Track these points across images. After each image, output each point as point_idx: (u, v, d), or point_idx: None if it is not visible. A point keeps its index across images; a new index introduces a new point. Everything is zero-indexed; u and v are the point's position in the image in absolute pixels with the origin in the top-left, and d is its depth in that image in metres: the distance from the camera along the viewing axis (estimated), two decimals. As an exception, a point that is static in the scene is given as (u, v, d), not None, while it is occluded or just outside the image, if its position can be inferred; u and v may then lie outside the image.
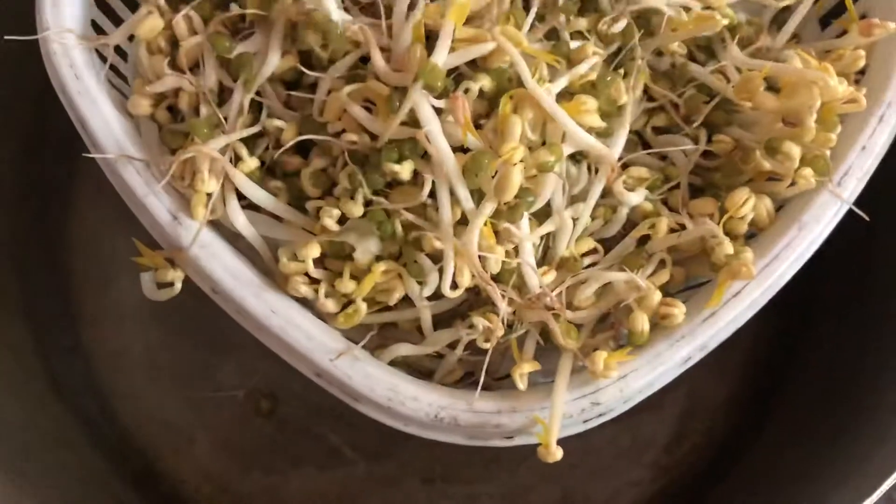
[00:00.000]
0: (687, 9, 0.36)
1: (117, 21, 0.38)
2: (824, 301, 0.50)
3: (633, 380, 0.32)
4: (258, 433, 0.50)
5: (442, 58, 0.30)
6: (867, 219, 0.33)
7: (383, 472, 0.49)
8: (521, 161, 0.30)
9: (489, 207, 0.30)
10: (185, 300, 0.36)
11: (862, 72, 0.37)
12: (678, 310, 0.32)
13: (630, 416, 0.49)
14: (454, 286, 0.31)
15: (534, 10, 0.32)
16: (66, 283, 0.52)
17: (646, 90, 0.36)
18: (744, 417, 0.51)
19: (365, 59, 0.32)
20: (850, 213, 0.34)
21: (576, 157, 0.34)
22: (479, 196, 0.31)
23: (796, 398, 0.50)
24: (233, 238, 0.34)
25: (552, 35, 0.35)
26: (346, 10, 0.33)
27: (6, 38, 0.33)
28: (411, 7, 0.32)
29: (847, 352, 0.48)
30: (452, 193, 0.31)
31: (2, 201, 0.47)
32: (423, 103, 0.30)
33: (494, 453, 0.49)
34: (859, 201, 0.34)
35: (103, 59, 0.35)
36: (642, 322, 0.32)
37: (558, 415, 0.31)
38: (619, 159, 0.34)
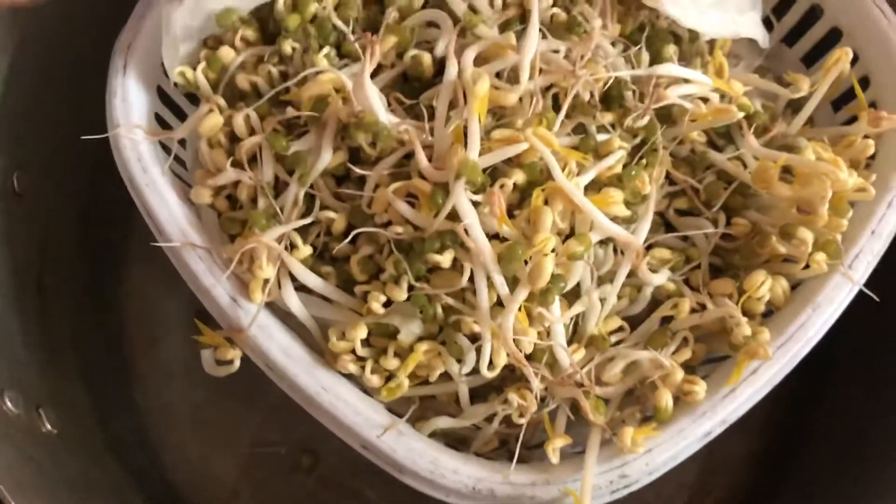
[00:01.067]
0: (705, 100, 0.39)
1: (176, 111, 0.41)
2: (840, 364, 0.52)
3: (658, 454, 0.34)
4: (299, 488, 0.52)
5: (475, 152, 0.32)
6: (877, 300, 0.36)
7: (417, 526, 0.51)
8: (552, 251, 0.33)
9: (523, 294, 0.33)
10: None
11: (873, 156, 0.39)
12: (700, 387, 0.34)
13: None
14: (491, 366, 0.34)
15: (564, 110, 0.35)
16: (119, 343, 0.54)
17: (667, 175, 0.39)
18: (764, 474, 0.52)
19: (409, 156, 0.35)
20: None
21: (602, 241, 0.37)
22: (513, 281, 0.34)
23: (814, 456, 0.51)
24: (285, 317, 0.36)
25: (579, 129, 0.37)
26: (391, 111, 0.36)
27: (83, 137, 0.36)
28: (451, 107, 0.35)
29: (861, 413, 0.49)
30: (489, 279, 0.34)
31: (60, 263, 0.50)
32: (463, 199, 0.33)
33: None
34: (871, 277, 0.37)
35: (167, 150, 0.38)
36: (666, 399, 0.34)
37: (589, 488, 0.33)
38: (644, 241, 0.37)
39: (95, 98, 0.38)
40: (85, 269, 0.53)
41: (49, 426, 0.42)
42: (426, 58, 0.37)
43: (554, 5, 0.38)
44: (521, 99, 0.35)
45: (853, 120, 0.41)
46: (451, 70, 0.35)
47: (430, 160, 0.34)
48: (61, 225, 0.49)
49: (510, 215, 0.34)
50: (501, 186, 0.34)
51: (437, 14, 0.37)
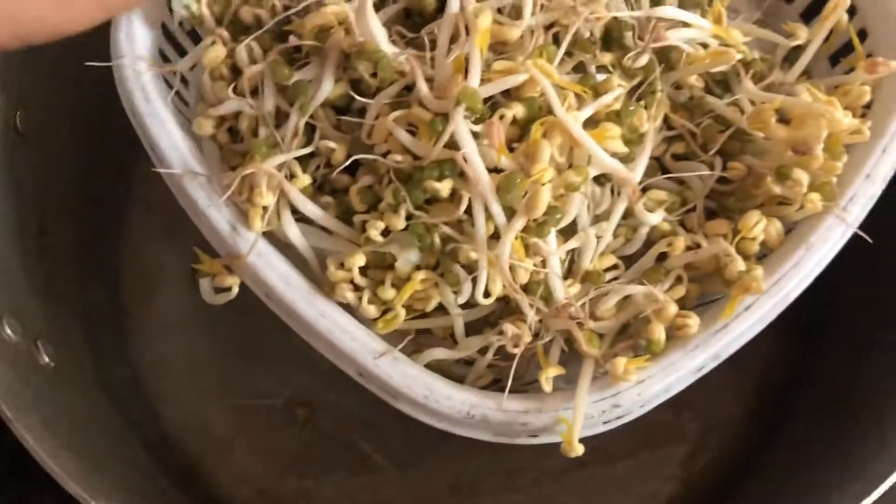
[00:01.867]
0: (705, 45, 0.39)
1: (179, 50, 0.41)
2: (833, 325, 0.53)
3: (650, 384, 0.34)
4: (294, 440, 0.52)
5: (476, 81, 0.33)
6: (871, 241, 0.36)
7: (412, 479, 0.52)
8: (549, 181, 0.33)
9: (520, 223, 0.33)
10: (227, 313, 0.40)
11: (868, 105, 0.39)
12: (693, 321, 0.35)
13: (649, 434, 0.52)
14: (486, 294, 0.34)
15: (564, 46, 0.35)
16: (116, 293, 0.55)
17: (665, 120, 0.39)
18: (758, 434, 0.53)
19: (409, 88, 0.36)
20: (855, 238, 0.37)
21: (600, 180, 0.37)
22: (510, 213, 0.34)
23: (807, 416, 0.52)
24: (284, 248, 0.37)
25: (579, 68, 0.38)
26: (393, 42, 0.36)
27: (86, 63, 0.37)
28: (452, 40, 0.35)
29: (854, 374, 0.50)
30: (486, 210, 0.34)
31: (61, 206, 0.51)
32: (462, 127, 0.33)
33: (518, 465, 0.52)
34: (864, 226, 0.37)
35: (168, 85, 0.39)
36: (659, 332, 0.35)
37: (581, 414, 0.33)
38: (640, 183, 0.37)
39: (101, 40, 0.39)
40: (85, 216, 0.53)
41: (47, 359, 0.42)
42: (428, -6, 0.37)
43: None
44: (521, 36, 0.36)
45: (850, 73, 0.41)
46: (454, 3, 0.35)
47: (430, 90, 0.35)
48: (64, 168, 0.50)
49: (509, 150, 0.34)
50: (501, 118, 0.34)
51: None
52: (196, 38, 0.41)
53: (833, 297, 0.48)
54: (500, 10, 0.36)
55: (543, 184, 0.33)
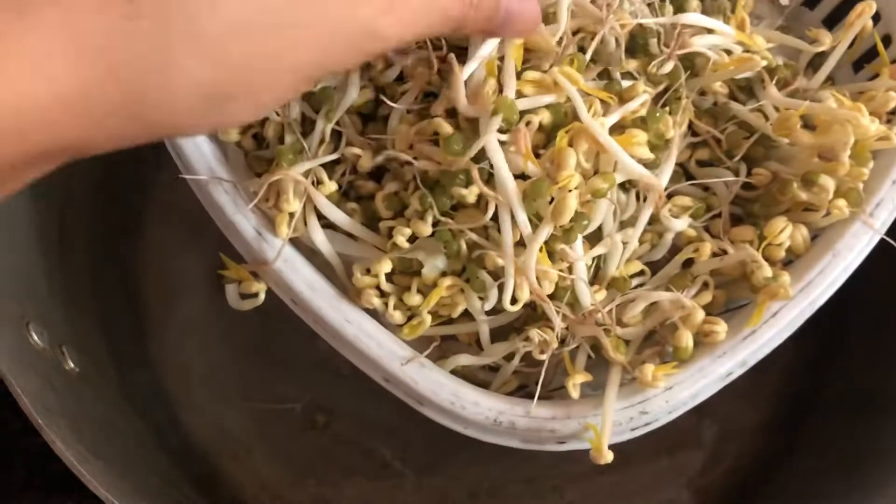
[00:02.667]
0: (729, 52, 0.39)
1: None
2: (854, 331, 0.52)
3: (678, 391, 0.34)
4: (313, 445, 0.52)
5: (512, 92, 0.33)
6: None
7: (431, 485, 0.52)
8: (575, 188, 0.33)
9: (546, 230, 0.33)
10: (247, 318, 0.40)
11: (894, 111, 0.39)
12: (720, 328, 0.35)
13: (668, 440, 0.52)
14: (514, 301, 0.34)
15: (590, 52, 0.36)
16: (137, 298, 0.55)
17: (690, 126, 0.39)
18: (775, 442, 0.53)
19: (433, 94, 0.36)
20: (881, 245, 0.37)
21: (625, 186, 0.37)
22: (537, 219, 0.34)
23: (825, 424, 0.52)
24: (310, 254, 0.37)
25: (604, 75, 0.38)
26: (418, 47, 0.36)
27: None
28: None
29: (874, 380, 0.50)
30: (513, 217, 0.34)
31: (82, 216, 0.51)
32: (493, 137, 0.33)
33: (538, 472, 0.52)
34: (891, 232, 0.37)
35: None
36: (687, 339, 0.34)
37: (609, 421, 0.33)
38: (665, 189, 0.37)
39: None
40: (107, 222, 0.53)
41: (72, 364, 0.42)
42: None
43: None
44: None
45: (874, 79, 0.41)
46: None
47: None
48: (85, 173, 0.50)
49: (535, 156, 0.34)
50: (527, 124, 0.34)
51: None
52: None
53: (852, 301, 0.48)
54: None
55: (570, 190, 0.33)
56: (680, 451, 0.53)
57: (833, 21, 0.45)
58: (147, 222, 0.57)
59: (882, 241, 0.37)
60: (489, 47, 0.34)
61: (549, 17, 0.35)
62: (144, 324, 0.54)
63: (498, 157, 0.33)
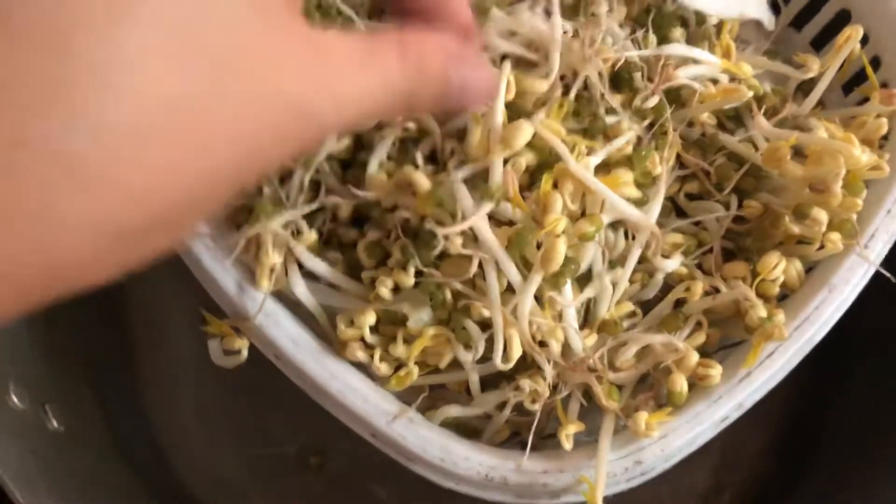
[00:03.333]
0: (715, 81, 0.38)
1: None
2: (857, 353, 0.51)
3: (673, 439, 0.33)
4: (308, 489, 0.51)
5: (497, 178, 0.32)
6: (894, 280, 0.35)
7: (429, 525, 0.51)
8: (563, 232, 0.32)
9: (536, 280, 0.32)
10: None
11: (886, 136, 0.38)
12: (715, 371, 0.34)
13: (670, 468, 0.51)
14: (505, 357, 0.33)
15: (573, 92, 0.35)
16: (125, 343, 0.54)
17: (678, 158, 0.38)
18: (781, 467, 0.52)
19: (414, 140, 0.35)
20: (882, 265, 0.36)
21: (613, 225, 0.36)
22: (524, 266, 0.33)
23: (831, 448, 0.51)
24: (293, 307, 0.36)
25: (588, 111, 0.37)
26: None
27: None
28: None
29: (880, 403, 0.49)
30: (499, 266, 0.33)
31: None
32: (466, 196, 0.32)
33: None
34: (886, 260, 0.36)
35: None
36: (681, 383, 0.34)
37: (603, 474, 0.32)
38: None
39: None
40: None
41: (56, 423, 0.41)
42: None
43: (560, -13, 0.38)
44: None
45: (864, 103, 0.40)
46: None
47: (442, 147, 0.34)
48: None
49: (521, 197, 0.33)
50: (513, 166, 0.33)
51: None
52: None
53: (853, 322, 0.47)
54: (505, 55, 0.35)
55: (558, 236, 0.32)
56: (683, 479, 0.52)
57: (821, 42, 0.45)
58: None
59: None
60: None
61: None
62: (133, 371, 0.53)
63: (478, 216, 0.32)
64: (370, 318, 0.34)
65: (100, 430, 0.48)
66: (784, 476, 0.52)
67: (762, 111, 0.38)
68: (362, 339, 0.35)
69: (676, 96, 0.38)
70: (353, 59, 0.21)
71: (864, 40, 0.41)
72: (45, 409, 0.41)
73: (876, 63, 0.41)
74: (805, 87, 0.41)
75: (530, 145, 0.34)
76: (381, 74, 0.22)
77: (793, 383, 0.52)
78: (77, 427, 0.44)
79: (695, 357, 0.34)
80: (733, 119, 0.40)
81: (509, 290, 0.33)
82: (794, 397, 0.53)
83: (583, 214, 0.34)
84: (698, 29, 0.41)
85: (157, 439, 0.52)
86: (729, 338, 0.37)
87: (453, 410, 0.35)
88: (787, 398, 0.53)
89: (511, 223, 0.33)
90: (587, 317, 0.36)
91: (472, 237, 0.33)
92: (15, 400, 0.38)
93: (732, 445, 0.52)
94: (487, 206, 0.32)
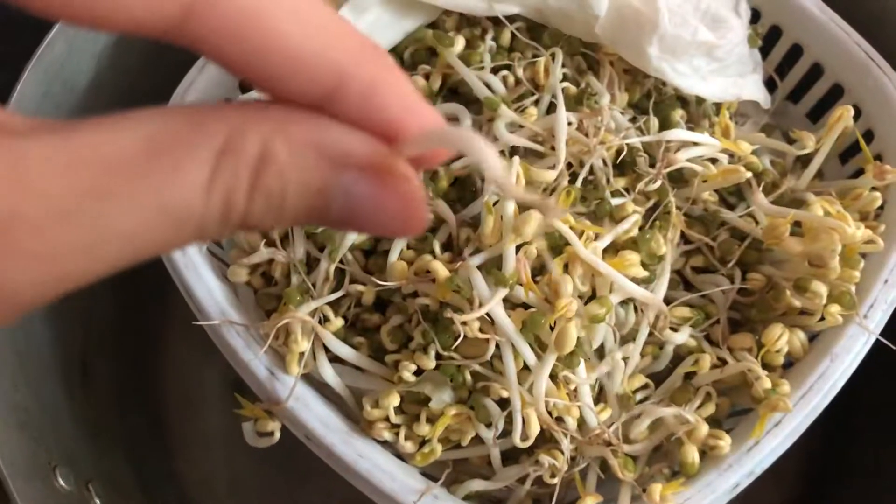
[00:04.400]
0: (714, 161, 0.41)
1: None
2: (868, 407, 0.53)
3: (687, 509, 0.35)
4: (339, 554, 0.53)
5: (510, 265, 0.34)
6: (895, 348, 0.36)
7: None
8: (575, 314, 0.34)
9: (550, 360, 0.34)
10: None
11: (882, 206, 0.40)
12: (724, 441, 0.35)
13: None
14: (524, 436, 0.35)
15: (580, 180, 0.37)
16: (160, 416, 0.56)
17: (682, 234, 0.40)
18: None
19: (432, 229, 0.37)
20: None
21: (623, 301, 0.38)
22: (539, 346, 0.35)
23: (847, 497, 0.52)
24: (321, 387, 0.38)
25: (594, 194, 0.39)
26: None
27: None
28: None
29: (886, 457, 0.50)
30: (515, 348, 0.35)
31: (102, 341, 0.53)
32: (482, 284, 0.34)
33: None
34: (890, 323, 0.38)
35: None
36: (692, 454, 0.35)
37: (621, 545, 0.34)
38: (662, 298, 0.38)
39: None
40: (126, 346, 0.55)
41: (98, 501, 0.43)
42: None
43: (563, 79, 0.40)
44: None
45: (861, 172, 0.42)
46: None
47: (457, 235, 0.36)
48: (103, 303, 0.52)
49: (533, 281, 0.35)
50: (525, 253, 0.35)
51: (457, 108, 0.39)
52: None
53: (862, 381, 0.48)
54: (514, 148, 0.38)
55: (570, 319, 0.34)
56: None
57: (817, 114, 0.47)
58: (166, 336, 0.58)
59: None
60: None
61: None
62: (168, 442, 0.55)
63: (498, 311, 0.34)
64: (394, 399, 0.36)
65: (139, 502, 0.50)
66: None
67: (761, 187, 0.40)
68: (387, 419, 0.37)
69: (679, 176, 0.40)
70: (89, 177, 0.14)
71: (858, 113, 0.43)
72: (88, 487, 0.43)
73: (870, 136, 0.43)
74: (803, 159, 0.43)
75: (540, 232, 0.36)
76: (162, 193, 0.15)
77: (807, 441, 0.53)
78: (117, 502, 0.46)
79: (705, 428, 0.36)
80: (735, 194, 0.42)
81: (525, 369, 0.35)
82: (808, 455, 0.54)
83: (593, 293, 0.36)
84: (698, 108, 0.44)
85: (192, 507, 0.54)
86: (737, 405, 0.39)
87: (476, 485, 0.37)
88: (802, 456, 0.54)
89: (525, 306, 0.35)
90: (601, 391, 0.38)
91: (488, 321, 0.35)
92: (61, 481, 0.40)
93: (751, 501, 0.53)
94: (502, 293, 0.34)
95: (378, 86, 0.16)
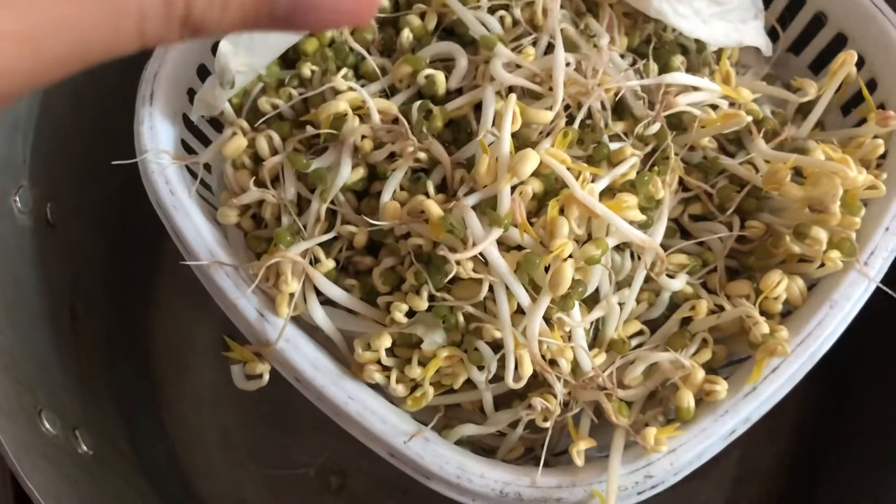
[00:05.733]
0: (715, 107, 0.40)
1: (203, 139, 0.42)
2: (866, 365, 0.52)
3: (682, 453, 0.34)
4: (329, 508, 0.53)
5: (505, 205, 0.34)
6: (895, 296, 0.36)
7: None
8: (570, 256, 0.34)
9: (545, 302, 0.33)
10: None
11: (884, 155, 0.40)
12: (721, 386, 0.35)
13: (683, 484, 0.51)
14: (517, 376, 0.34)
15: (577, 121, 0.36)
16: (149, 371, 0.56)
17: (681, 181, 0.40)
18: (793, 481, 0.52)
19: (424, 170, 0.37)
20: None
21: (619, 246, 0.37)
22: (533, 288, 0.34)
23: (843, 461, 0.51)
24: (311, 330, 0.37)
25: (592, 138, 0.38)
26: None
27: (112, 162, 0.38)
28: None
29: (889, 414, 0.49)
30: (509, 290, 0.34)
31: (92, 293, 0.52)
32: (476, 223, 0.34)
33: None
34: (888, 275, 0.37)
35: (193, 174, 0.40)
36: (688, 399, 0.35)
37: (614, 488, 0.33)
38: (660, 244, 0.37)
39: (124, 129, 0.40)
40: (115, 300, 0.54)
41: (85, 447, 0.43)
42: (440, 77, 0.38)
43: (562, 21, 0.39)
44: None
45: (863, 123, 0.42)
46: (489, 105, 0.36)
47: (452, 176, 0.36)
48: (93, 255, 0.51)
49: (528, 222, 0.35)
50: (521, 193, 0.35)
51: (451, 46, 0.38)
52: (217, 126, 0.43)
53: (859, 335, 0.48)
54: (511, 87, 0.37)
55: (565, 259, 0.33)
56: (696, 496, 0.53)
57: (820, 65, 0.46)
58: (156, 291, 0.58)
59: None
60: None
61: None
62: (157, 396, 0.55)
63: (487, 241, 0.33)
64: (386, 342, 0.35)
65: (127, 456, 0.49)
66: (794, 491, 0.53)
67: (761, 134, 0.39)
68: (379, 362, 0.36)
69: (678, 121, 0.40)
70: None
71: (861, 63, 0.42)
72: (75, 434, 0.42)
73: (873, 85, 0.42)
74: (804, 110, 0.42)
75: (536, 173, 0.35)
76: None
77: (801, 402, 0.53)
78: (105, 452, 0.45)
79: (701, 374, 0.35)
80: (734, 142, 0.41)
81: (519, 311, 0.35)
82: (802, 415, 0.54)
83: (589, 238, 0.36)
84: (698, 56, 0.43)
85: (181, 462, 0.53)
86: (735, 354, 0.38)
87: (468, 429, 0.37)
88: (796, 416, 0.54)
89: (519, 248, 0.35)
90: (596, 336, 0.37)
91: (482, 262, 0.34)
92: (47, 425, 0.40)
93: (744, 462, 0.53)
94: (496, 233, 0.33)
95: None
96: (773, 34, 0.46)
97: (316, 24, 0.18)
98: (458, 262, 0.33)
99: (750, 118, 0.38)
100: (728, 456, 0.52)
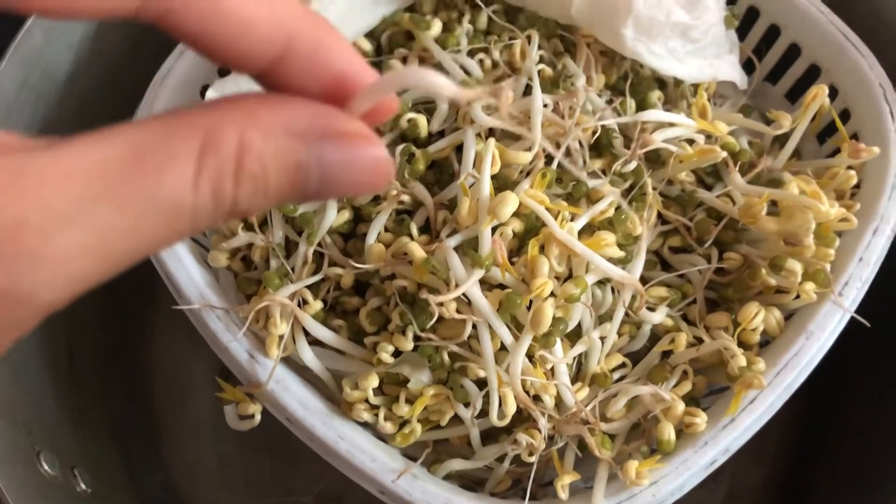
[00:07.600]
0: (691, 141, 0.41)
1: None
2: (851, 386, 0.53)
3: (663, 485, 0.35)
4: (327, 537, 0.53)
5: (487, 246, 0.35)
6: (868, 325, 0.37)
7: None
8: (551, 294, 0.35)
9: (527, 340, 0.34)
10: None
11: (858, 185, 0.41)
12: (700, 419, 0.36)
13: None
14: (501, 414, 0.35)
15: (556, 162, 0.37)
16: (146, 403, 0.56)
17: (660, 214, 0.41)
18: (782, 499, 0.53)
19: (409, 212, 0.37)
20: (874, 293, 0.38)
21: (600, 282, 0.38)
22: (515, 327, 0.35)
23: (830, 479, 0.52)
24: (301, 370, 0.38)
25: (571, 174, 0.39)
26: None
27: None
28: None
29: (875, 434, 0.50)
30: (492, 329, 0.35)
31: (87, 331, 0.53)
32: (458, 265, 0.34)
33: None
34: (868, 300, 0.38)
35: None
36: (669, 432, 0.36)
37: (598, 522, 0.34)
38: (639, 278, 0.38)
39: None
40: (112, 336, 0.55)
41: (84, 486, 0.43)
42: (422, 120, 0.39)
43: (540, 61, 0.40)
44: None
45: (838, 151, 0.42)
46: (469, 148, 0.37)
47: (434, 217, 0.37)
48: (88, 295, 0.52)
49: (509, 261, 0.36)
50: (501, 234, 0.36)
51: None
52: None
53: (843, 355, 0.49)
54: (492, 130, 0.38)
55: (546, 299, 0.34)
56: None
57: (797, 93, 0.47)
58: (152, 324, 0.58)
59: (871, 291, 0.38)
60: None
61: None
62: (155, 428, 0.56)
63: (469, 283, 0.34)
64: (373, 381, 0.36)
65: (125, 489, 0.50)
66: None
67: (737, 167, 0.40)
68: (367, 401, 0.37)
69: (656, 156, 0.41)
70: (84, 183, 0.15)
71: (834, 93, 0.43)
72: (73, 472, 0.43)
73: (847, 115, 0.43)
74: (781, 139, 0.43)
75: (517, 213, 0.36)
76: (152, 190, 0.16)
77: (789, 420, 0.54)
78: (104, 488, 0.46)
79: (681, 406, 0.36)
80: (712, 174, 0.42)
81: (503, 349, 0.35)
82: (791, 433, 0.54)
83: (570, 274, 0.37)
84: (676, 89, 0.44)
85: (180, 493, 0.54)
86: (715, 384, 0.39)
87: (456, 464, 0.38)
88: (785, 434, 0.54)
89: (501, 286, 0.36)
90: (579, 370, 0.38)
91: (465, 301, 0.35)
92: (45, 466, 0.41)
93: (734, 480, 0.54)
94: (478, 274, 0.34)
95: (323, 43, 0.18)
96: (749, 64, 0.47)
97: (339, 195, 0.21)
98: (441, 304, 0.34)
99: (725, 153, 0.39)
100: (718, 474, 0.53)
